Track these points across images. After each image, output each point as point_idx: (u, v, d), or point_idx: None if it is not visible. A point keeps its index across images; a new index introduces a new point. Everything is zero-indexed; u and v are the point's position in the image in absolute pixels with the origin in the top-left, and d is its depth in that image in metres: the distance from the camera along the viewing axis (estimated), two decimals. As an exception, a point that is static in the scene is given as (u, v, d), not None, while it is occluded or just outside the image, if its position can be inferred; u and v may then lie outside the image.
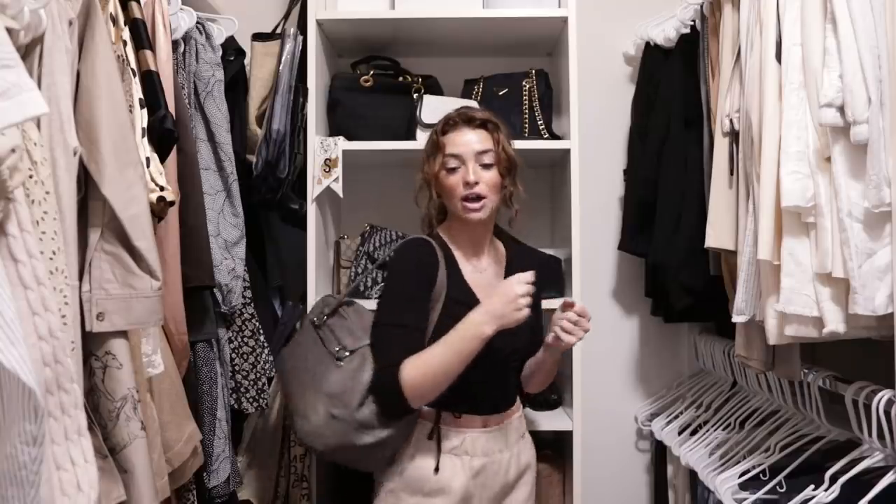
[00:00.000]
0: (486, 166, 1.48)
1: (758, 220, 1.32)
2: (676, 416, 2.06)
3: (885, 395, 1.25)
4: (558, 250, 2.02)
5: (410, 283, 1.46)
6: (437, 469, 1.45)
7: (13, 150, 0.79)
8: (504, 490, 1.52)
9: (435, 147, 1.52)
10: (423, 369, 1.36)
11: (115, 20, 1.25)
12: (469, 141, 1.49)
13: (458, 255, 1.54)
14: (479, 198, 1.47)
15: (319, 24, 1.96)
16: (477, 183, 1.46)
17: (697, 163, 1.79)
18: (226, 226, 1.83)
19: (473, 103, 1.97)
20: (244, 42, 2.05)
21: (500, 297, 1.36)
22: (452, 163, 1.48)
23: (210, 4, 2.03)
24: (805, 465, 1.47)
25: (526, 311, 1.35)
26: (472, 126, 1.51)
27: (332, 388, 1.44)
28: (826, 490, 1.33)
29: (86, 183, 1.07)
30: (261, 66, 2.00)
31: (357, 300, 1.70)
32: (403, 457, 1.47)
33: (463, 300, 1.46)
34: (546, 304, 1.72)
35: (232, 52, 1.99)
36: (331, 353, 1.50)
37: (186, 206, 1.58)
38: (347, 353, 1.48)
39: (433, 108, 1.93)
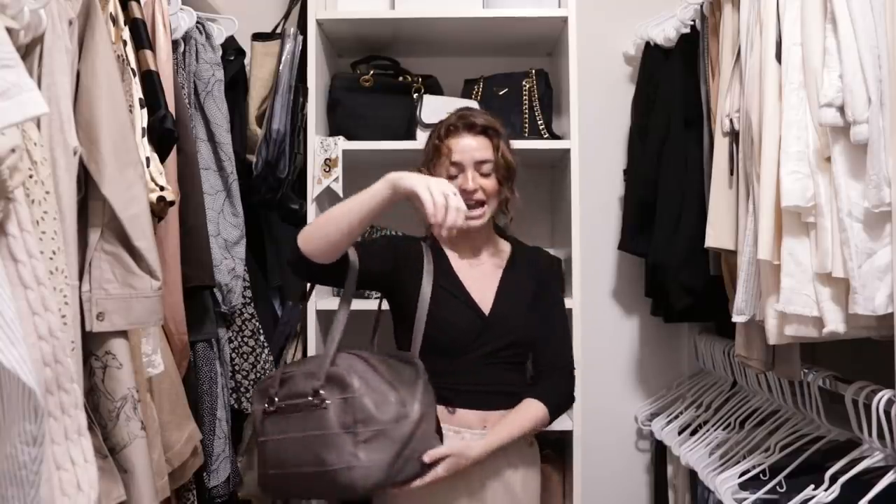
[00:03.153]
0: (485, 175, 1.49)
1: (758, 220, 1.32)
2: (676, 416, 2.06)
3: (885, 395, 1.25)
4: (558, 250, 2.02)
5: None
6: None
7: (13, 150, 0.79)
8: (510, 500, 1.49)
9: (437, 152, 1.52)
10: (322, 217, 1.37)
11: (115, 20, 1.25)
12: (469, 148, 1.49)
13: (451, 254, 1.57)
14: (478, 204, 1.48)
15: (319, 23, 1.96)
16: (476, 190, 1.47)
17: (697, 163, 1.79)
18: (226, 226, 1.83)
19: (474, 103, 1.97)
20: (244, 42, 2.05)
21: (438, 182, 1.30)
22: (452, 170, 1.49)
23: (210, 4, 2.03)
24: (805, 465, 1.47)
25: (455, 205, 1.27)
26: (474, 132, 1.51)
27: (334, 424, 1.32)
28: (826, 490, 1.33)
29: (86, 183, 1.07)
30: (261, 66, 2.00)
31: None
32: None
33: (449, 288, 1.51)
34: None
35: (232, 51, 1.99)
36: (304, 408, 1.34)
37: (186, 206, 1.58)
38: (319, 394, 1.33)
39: (433, 108, 1.93)
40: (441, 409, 1.45)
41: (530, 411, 1.48)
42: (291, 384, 1.37)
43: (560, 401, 1.53)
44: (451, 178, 1.48)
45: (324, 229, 1.35)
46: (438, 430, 1.40)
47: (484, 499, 1.47)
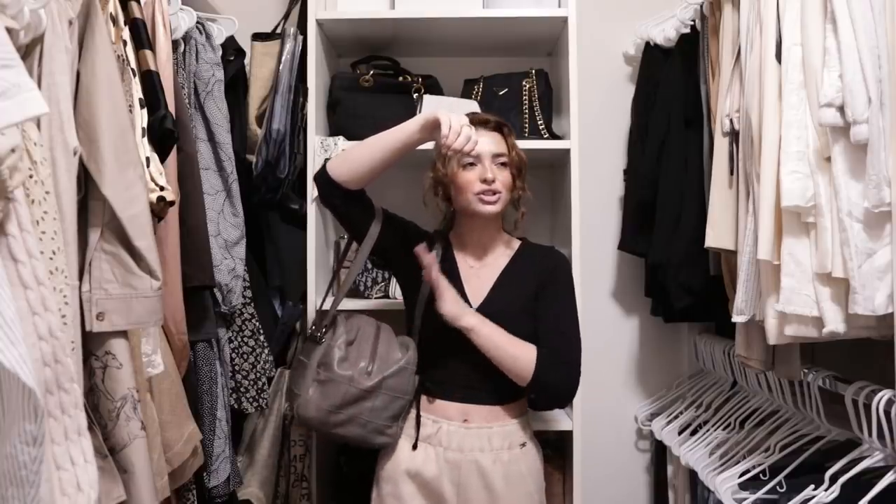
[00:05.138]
0: (501, 165, 1.53)
1: (758, 219, 1.32)
2: (676, 416, 2.06)
3: (885, 395, 1.25)
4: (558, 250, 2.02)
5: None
6: (415, 446, 1.51)
7: (13, 150, 0.78)
8: (490, 500, 1.48)
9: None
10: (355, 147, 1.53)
11: (115, 20, 1.25)
12: (486, 142, 1.52)
13: (458, 250, 1.62)
14: (494, 193, 1.51)
15: (319, 23, 1.96)
16: (494, 180, 1.50)
17: (697, 163, 1.79)
18: (226, 226, 1.83)
19: (474, 104, 1.98)
20: (244, 42, 2.05)
21: (458, 115, 1.43)
22: (466, 160, 1.52)
23: (210, 4, 2.03)
24: (805, 465, 1.48)
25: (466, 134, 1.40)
26: (488, 128, 1.55)
27: (316, 359, 1.52)
28: (826, 490, 1.33)
29: (86, 183, 1.07)
30: (261, 66, 2.00)
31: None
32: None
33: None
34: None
35: (232, 51, 1.99)
36: (312, 339, 1.57)
37: (186, 206, 1.58)
38: (323, 330, 1.55)
39: (433, 108, 1.92)
40: (423, 398, 1.55)
41: (524, 347, 1.47)
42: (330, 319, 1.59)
43: (554, 379, 1.48)
44: (465, 167, 1.52)
45: (355, 154, 1.51)
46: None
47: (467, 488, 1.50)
